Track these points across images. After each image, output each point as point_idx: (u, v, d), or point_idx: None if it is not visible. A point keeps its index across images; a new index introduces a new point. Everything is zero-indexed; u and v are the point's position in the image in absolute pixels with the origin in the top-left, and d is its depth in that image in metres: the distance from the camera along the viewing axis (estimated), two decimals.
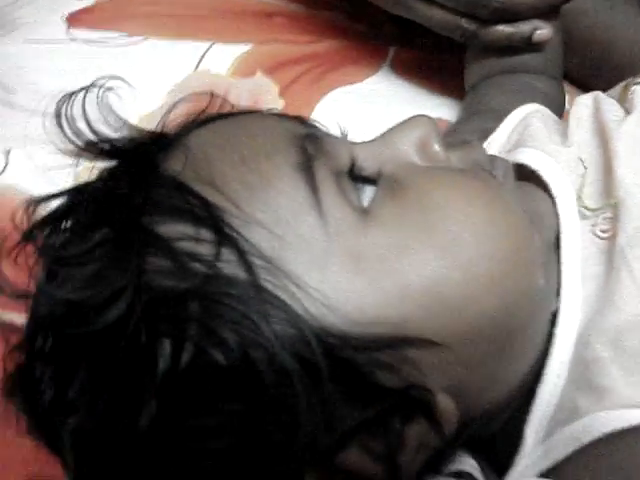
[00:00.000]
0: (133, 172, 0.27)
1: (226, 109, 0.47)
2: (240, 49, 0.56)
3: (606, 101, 0.36)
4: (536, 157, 0.33)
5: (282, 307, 0.23)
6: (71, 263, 0.25)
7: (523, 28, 0.44)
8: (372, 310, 0.24)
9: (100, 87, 0.30)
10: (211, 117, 0.31)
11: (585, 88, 0.53)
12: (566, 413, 0.27)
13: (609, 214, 0.30)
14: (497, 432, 0.30)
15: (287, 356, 0.23)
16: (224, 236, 0.24)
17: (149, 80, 0.52)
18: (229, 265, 0.24)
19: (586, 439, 0.26)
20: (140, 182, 0.26)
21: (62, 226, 0.27)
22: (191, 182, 0.25)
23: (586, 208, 0.31)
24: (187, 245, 0.24)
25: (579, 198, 0.31)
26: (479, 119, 0.43)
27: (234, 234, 0.24)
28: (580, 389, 0.27)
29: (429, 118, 0.30)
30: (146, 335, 0.22)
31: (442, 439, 0.26)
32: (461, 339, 0.25)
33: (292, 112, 0.50)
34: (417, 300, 0.25)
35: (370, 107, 0.53)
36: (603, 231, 0.30)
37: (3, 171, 0.46)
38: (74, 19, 0.58)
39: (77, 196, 0.28)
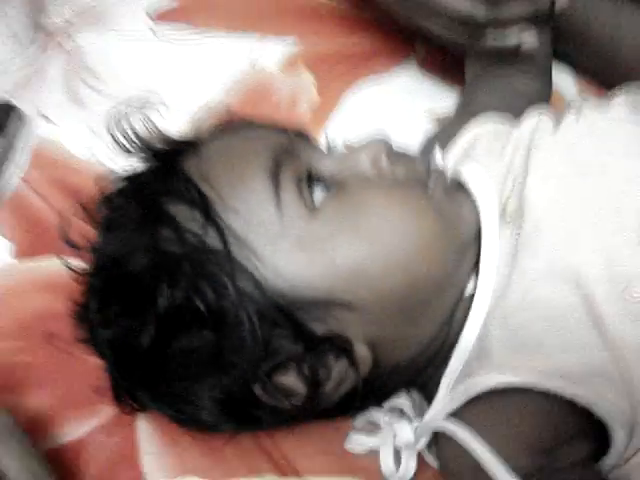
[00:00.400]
0: (161, 167, 0.38)
1: (271, 101, 0.58)
2: (289, 46, 0.64)
3: (545, 123, 0.42)
4: (471, 171, 0.41)
5: (245, 272, 0.34)
6: (112, 228, 0.37)
7: (510, 42, 0.48)
8: (308, 279, 0.34)
9: (144, 104, 0.42)
10: (227, 126, 0.41)
11: (599, 82, 0.58)
12: (465, 372, 0.36)
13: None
14: (430, 382, 0.39)
15: (245, 306, 0.33)
16: (210, 218, 0.34)
17: (211, 74, 0.62)
18: (212, 239, 0.34)
19: (472, 393, 0.35)
20: (164, 175, 0.37)
21: (115, 201, 0.39)
22: (194, 177, 0.36)
23: (507, 215, 0.38)
24: (186, 222, 0.35)
25: (504, 206, 0.38)
26: (460, 121, 0.49)
27: (217, 217, 0.34)
28: (475, 355, 0.36)
29: (385, 140, 0.39)
30: (153, 282, 0.33)
31: (358, 377, 0.35)
32: (374, 305, 0.35)
33: (323, 102, 0.60)
34: (342, 274, 0.34)
35: (390, 97, 0.59)
36: (518, 234, 0.37)
37: (90, 148, 0.56)
38: (156, 15, 0.67)
39: (126, 181, 0.40)
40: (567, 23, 0.54)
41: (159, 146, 0.40)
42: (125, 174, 0.41)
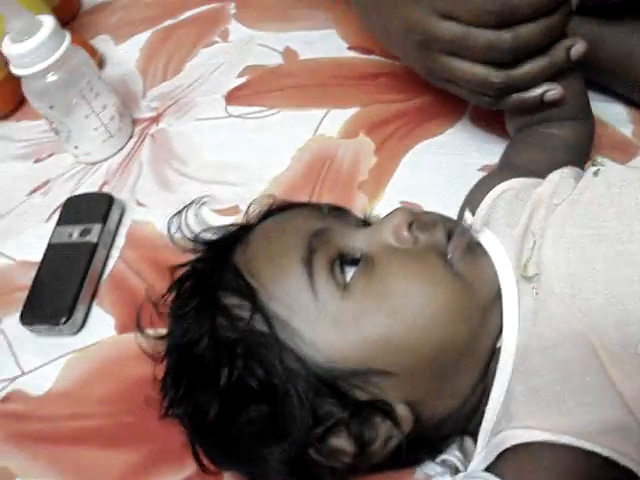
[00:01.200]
0: (214, 260, 0.45)
1: (332, 167, 0.63)
2: (349, 113, 0.69)
3: (566, 180, 0.44)
4: (489, 238, 0.44)
5: (290, 351, 0.39)
6: (179, 318, 0.43)
7: (534, 92, 0.49)
8: (343, 353, 0.39)
9: (199, 202, 0.49)
10: (269, 212, 0.47)
11: None
12: (497, 427, 0.38)
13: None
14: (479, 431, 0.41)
15: (292, 381, 0.38)
16: (256, 307, 0.40)
17: (279, 146, 0.69)
18: (259, 324, 0.39)
19: (501, 448, 0.37)
20: (217, 268, 0.43)
21: (181, 290, 0.46)
22: (242, 270, 0.42)
23: (526, 274, 0.40)
24: (236, 311, 0.40)
25: (525, 266, 0.40)
26: (501, 175, 0.51)
27: (262, 305, 0.40)
28: (505, 410, 0.38)
29: (406, 210, 0.42)
30: (214, 363, 0.39)
31: (402, 434, 0.39)
32: (406, 370, 0.38)
33: (381, 167, 0.64)
34: (372, 346, 0.38)
35: (445, 158, 0.63)
36: (537, 292, 0.39)
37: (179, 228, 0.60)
38: (230, 97, 0.76)
39: (187, 271, 0.47)
40: (625, 70, 0.56)
41: (214, 238, 0.47)
42: (189, 262, 0.48)
